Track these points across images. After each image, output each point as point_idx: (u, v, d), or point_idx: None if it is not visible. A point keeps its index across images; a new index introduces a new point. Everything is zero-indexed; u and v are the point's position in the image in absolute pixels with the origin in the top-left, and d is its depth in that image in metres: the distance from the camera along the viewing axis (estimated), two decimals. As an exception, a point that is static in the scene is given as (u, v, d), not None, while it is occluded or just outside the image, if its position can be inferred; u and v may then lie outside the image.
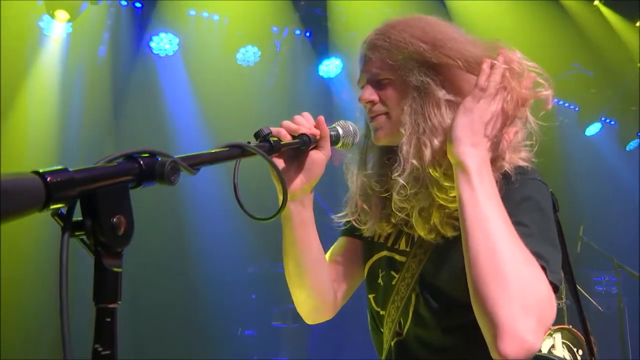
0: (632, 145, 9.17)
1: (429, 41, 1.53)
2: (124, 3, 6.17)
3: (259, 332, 6.78)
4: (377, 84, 1.61)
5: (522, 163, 1.52)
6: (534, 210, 1.43)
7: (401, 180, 1.52)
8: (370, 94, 1.61)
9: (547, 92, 1.46)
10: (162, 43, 6.45)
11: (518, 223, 1.35)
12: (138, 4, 6.22)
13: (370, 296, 1.74)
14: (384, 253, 1.70)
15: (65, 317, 0.80)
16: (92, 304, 0.87)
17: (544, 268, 1.30)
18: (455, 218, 1.45)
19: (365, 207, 1.69)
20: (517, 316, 1.21)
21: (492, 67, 1.42)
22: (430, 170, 1.49)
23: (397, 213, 1.57)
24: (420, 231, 1.54)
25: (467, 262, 1.31)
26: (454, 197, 1.44)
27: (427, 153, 1.49)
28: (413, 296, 1.59)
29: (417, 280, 1.58)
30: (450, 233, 1.49)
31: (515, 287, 1.22)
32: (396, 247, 1.67)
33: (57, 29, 5.89)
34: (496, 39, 1.53)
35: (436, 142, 1.49)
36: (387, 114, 1.60)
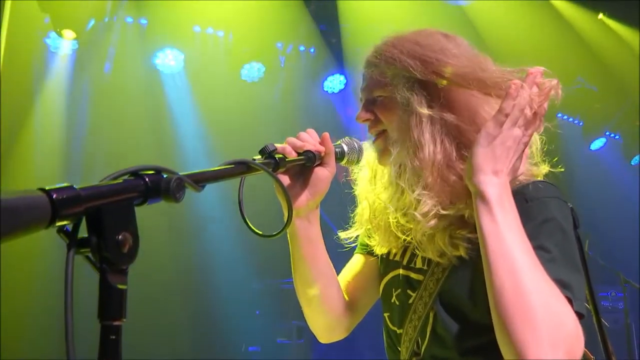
0: (637, 159, 9.14)
1: (419, 57, 1.50)
2: (130, 20, 6.21)
3: (263, 348, 6.74)
4: (372, 102, 1.60)
5: (540, 177, 1.48)
6: (555, 232, 1.37)
7: (391, 207, 1.53)
8: (365, 112, 1.60)
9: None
10: (167, 59, 6.49)
11: (540, 247, 1.31)
12: (143, 21, 6.27)
13: (386, 315, 1.69)
14: (400, 271, 1.65)
15: (70, 333, 0.80)
16: (97, 321, 0.87)
17: (569, 299, 1.26)
18: (462, 238, 1.43)
19: (374, 224, 1.67)
20: (545, 355, 1.18)
21: (518, 89, 1.35)
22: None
23: (403, 235, 1.57)
24: (430, 254, 1.49)
25: (491, 297, 1.27)
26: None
27: (409, 172, 1.47)
28: (431, 315, 1.53)
29: (435, 300, 1.52)
30: (461, 253, 1.44)
31: (543, 325, 1.19)
32: (412, 265, 1.62)
33: (64, 45, 5.94)
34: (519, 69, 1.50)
35: (416, 162, 1.45)
36: (384, 132, 1.59)
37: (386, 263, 1.71)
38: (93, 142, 6.26)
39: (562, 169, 1.54)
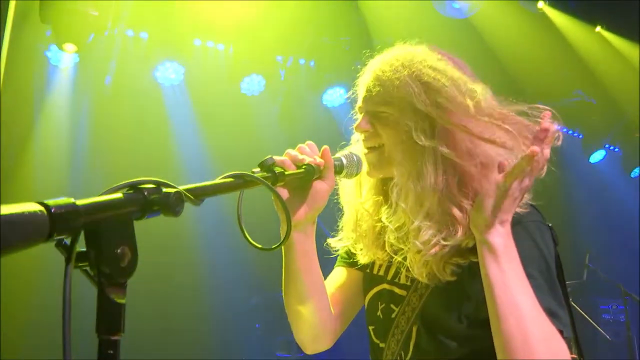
0: (636, 172, 9.15)
1: (423, 85, 1.52)
2: (130, 33, 6.24)
3: (263, 362, 6.72)
4: (374, 116, 1.61)
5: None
6: (538, 258, 1.45)
7: (391, 226, 1.55)
8: (366, 123, 1.61)
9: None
10: (168, 72, 6.51)
11: (527, 275, 1.38)
12: (144, 34, 6.29)
13: (370, 328, 1.74)
14: (384, 286, 1.69)
15: (68, 347, 0.80)
16: (95, 335, 0.86)
17: (560, 330, 1.36)
18: (454, 264, 1.48)
19: (359, 233, 1.69)
20: None
21: (537, 157, 1.35)
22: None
23: (392, 254, 1.59)
24: (419, 276, 1.53)
25: (498, 342, 1.34)
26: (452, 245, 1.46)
27: (411, 198, 1.50)
28: (414, 330, 1.59)
29: (419, 315, 1.58)
30: (450, 278, 1.49)
31: None
32: (396, 280, 1.66)
33: (65, 58, 5.97)
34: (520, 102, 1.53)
35: (419, 189, 1.49)
36: (381, 147, 1.60)
37: (371, 277, 1.74)
38: (93, 154, 6.27)
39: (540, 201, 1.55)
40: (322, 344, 1.79)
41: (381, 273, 1.71)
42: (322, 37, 6.78)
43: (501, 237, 1.37)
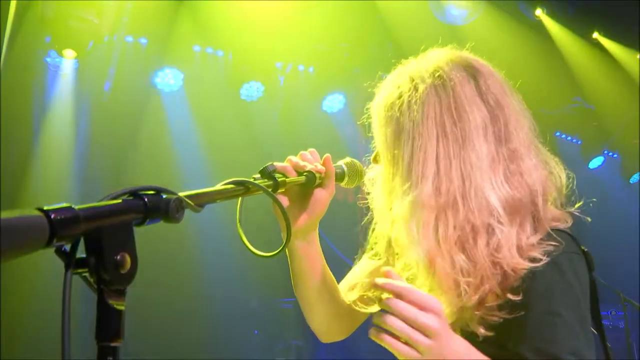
0: (635, 178, 9.15)
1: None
2: (130, 39, 6.25)
3: (262, 368, 6.70)
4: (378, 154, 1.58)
5: (562, 221, 1.44)
6: (570, 296, 1.36)
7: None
8: (374, 163, 1.60)
9: None
10: (167, 78, 6.51)
11: (551, 313, 1.31)
12: (143, 40, 6.30)
13: None
14: None
15: (67, 353, 0.80)
16: (94, 341, 0.86)
17: None
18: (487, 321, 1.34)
19: (390, 252, 1.59)
20: None
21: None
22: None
23: None
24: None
25: None
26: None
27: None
28: None
29: None
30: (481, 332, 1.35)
31: None
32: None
33: (65, 64, 5.98)
34: None
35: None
36: None
37: None
38: (93, 160, 6.26)
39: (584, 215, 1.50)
40: (337, 337, 1.79)
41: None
42: (321, 44, 6.80)
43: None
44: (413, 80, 1.45)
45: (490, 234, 1.34)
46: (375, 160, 1.58)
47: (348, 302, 1.72)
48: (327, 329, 1.76)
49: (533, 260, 1.33)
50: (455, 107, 1.38)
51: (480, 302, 1.32)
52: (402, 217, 1.36)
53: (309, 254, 1.62)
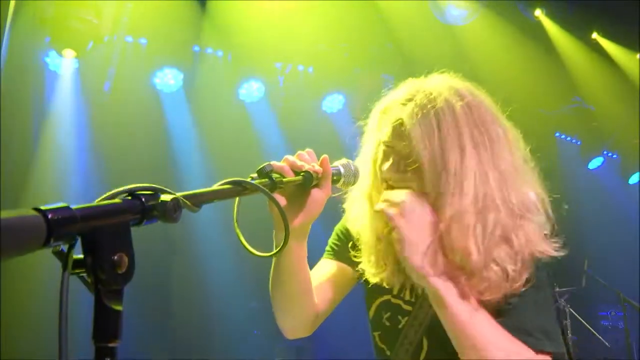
0: (634, 178, 9.16)
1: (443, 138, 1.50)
2: (130, 39, 6.25)
3: (262, 369, 6.70)
4: (405, 163, 1.54)
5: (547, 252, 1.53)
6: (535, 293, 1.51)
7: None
8: (395, 172, 1.56)
9: None
10: (167, 78, 6.52)
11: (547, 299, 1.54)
12: (143, 40, 6.30)
13: (376, 333, 1.76)
14: (389, 297, 1.72)
15: (65, 354, 0.79)
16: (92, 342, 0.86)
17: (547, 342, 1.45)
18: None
19: (384, 260, 1.64)
20: None
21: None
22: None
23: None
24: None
25: None
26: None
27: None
28: (424, 343, 1.64)
29: (427, 329, 1.62)
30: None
31: None
32: (402, 295, 1.70)
33: (64, 64, 5.98)
34: None
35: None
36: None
37: (376, 286, 1.72)
38: (92, 160, 6.26)
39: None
40: (303, 334, 1.83)
41: (386, 286, 1.69)
42: (320, 44, 6.80)
43: (438, 281, 1.42)
44: (433, 96, 1.52)
45: (525, 227, 1.50)
46: (398, 170, 1.56)
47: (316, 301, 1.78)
48: (297, 326, 1.78)
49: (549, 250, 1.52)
50: (482, 123, 1.52)
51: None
52: (459, 221, 1.45)
53: (300, 254, 1.63)
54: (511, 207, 1.47)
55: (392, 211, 1.44)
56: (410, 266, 1.42)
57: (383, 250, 1.64)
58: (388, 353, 1.70)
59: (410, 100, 1.52)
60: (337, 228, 1.88)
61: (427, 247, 1.43)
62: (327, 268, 1.84)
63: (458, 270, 1.44)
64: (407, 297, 1.68)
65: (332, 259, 1.85)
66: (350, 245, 1.77)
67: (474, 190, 1.45)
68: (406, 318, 1.66)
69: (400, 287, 1.70)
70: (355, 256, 1.73)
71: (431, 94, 1.51)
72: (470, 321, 1.40)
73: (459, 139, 1.46)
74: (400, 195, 1.47)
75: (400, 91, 1.59)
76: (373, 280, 1.68)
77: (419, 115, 1.48)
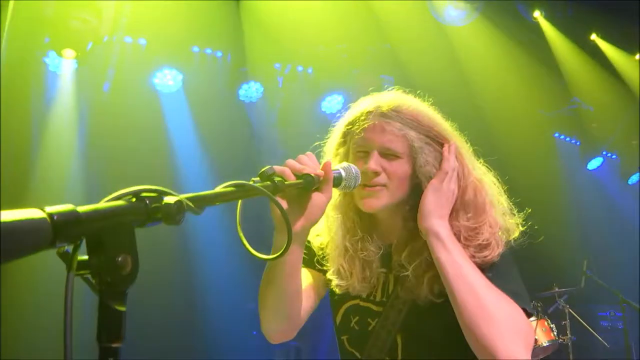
0: (634, 179, 9.17)
1: (431, 126, 1.73)
2: (129, 39, 6.25)
3: (261, 369, 6.70)
4: (385, 156, 1.69)
5: (512, 231, 1.76)
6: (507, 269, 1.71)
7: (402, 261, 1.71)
8: (378, 165, 1.69)
9: None
10: (166, 79, 6.52)
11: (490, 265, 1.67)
12: (142, 41, 6.30)
13: (344, 337, 1.84)
14: (358, 302, 1.81)
15: (69, 354, 0.80)
16: (96, 343, 0.87)
17: (519, 301, 1.58)
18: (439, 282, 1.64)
19: (350, 270, 1.78)
20: (509, 345, 1.48)
21: (449, 152, 1.70)
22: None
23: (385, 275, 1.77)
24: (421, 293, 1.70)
25: (457, 311, 1.54)
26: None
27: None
28: (399, 340, 1.72)
29: (401, 327, 1.71)
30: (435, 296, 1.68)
31: (502, 324, 1.50)
32: (372, 298, 1.79)
33: (64, 65, 5.98)
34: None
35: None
36: (385, 186, 1.69)
37: (344, 292, 1.81)
38: (92, 161, 6.26)
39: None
40: (286, 337, 1.85)
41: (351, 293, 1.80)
42: (320, 44, 6.81)
43: (443, 227, 1.63)
44: (397, 103, 1.75)
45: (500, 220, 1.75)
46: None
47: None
48: (285, 329, 1.80)
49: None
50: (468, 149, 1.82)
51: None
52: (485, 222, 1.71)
53: (297, 257, 1.64)
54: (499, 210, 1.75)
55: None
56: (427, 210, 1.64)
57: (349, 261, 1.76)
58: (358, 355, 1.78)
59: (378, 107, 1.73)
60: None
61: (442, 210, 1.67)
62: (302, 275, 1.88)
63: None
64: (379, 298, 1.77)
65: (303, 266, 1.86)
66: (319, 254, 1.87)
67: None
68: (376, 320, 1.74)
69: (370, 290, 1.79)
70: (322, 265, 1.84)
71: (394, 101, 1.74)
72: (469, 266, 1.57)
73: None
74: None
75: (361, 105, 1.80)
76: (339, 291, 1.79)
77: (394, 115, 1.70)
